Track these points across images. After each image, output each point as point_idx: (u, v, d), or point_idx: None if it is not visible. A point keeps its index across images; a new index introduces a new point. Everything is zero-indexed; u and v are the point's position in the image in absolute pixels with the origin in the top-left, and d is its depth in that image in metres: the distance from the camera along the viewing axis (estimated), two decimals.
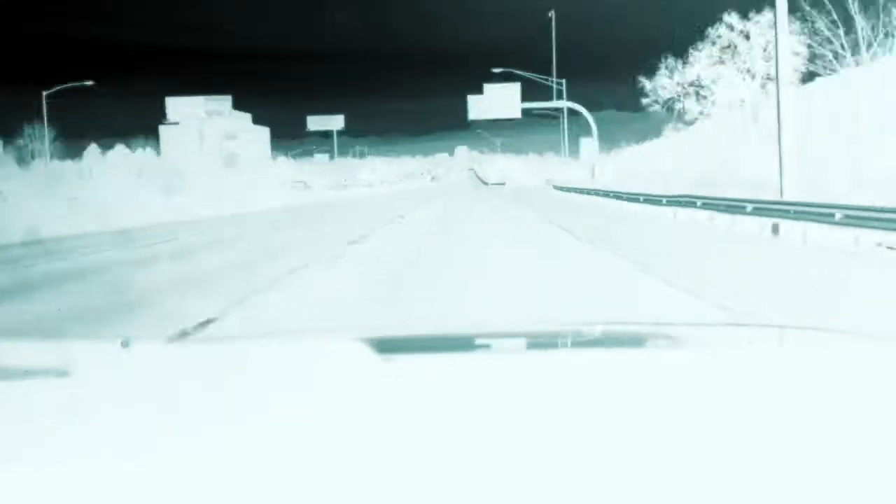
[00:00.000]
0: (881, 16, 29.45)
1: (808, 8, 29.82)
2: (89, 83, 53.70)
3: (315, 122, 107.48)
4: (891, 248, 12.85)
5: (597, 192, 40.36)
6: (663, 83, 45.25)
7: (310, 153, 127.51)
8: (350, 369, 1.45)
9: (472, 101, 57.73)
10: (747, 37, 39.52)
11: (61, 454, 0.96)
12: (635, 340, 1.97)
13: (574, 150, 60.15)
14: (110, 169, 78.02)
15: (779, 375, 1.35)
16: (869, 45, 29.30)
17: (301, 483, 0.86)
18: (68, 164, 76.76)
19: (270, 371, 1.51)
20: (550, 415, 1.09)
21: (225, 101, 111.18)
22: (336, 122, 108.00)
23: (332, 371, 1.46)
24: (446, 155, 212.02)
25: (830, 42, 30.42)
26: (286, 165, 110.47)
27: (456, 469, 0.88)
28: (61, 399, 1.26)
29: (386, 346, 1.75)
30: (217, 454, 0.96)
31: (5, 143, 75.17)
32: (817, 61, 30.93)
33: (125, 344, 1.71)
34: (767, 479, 0.83)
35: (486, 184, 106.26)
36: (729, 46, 40.15)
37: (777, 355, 1.68)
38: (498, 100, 56.46)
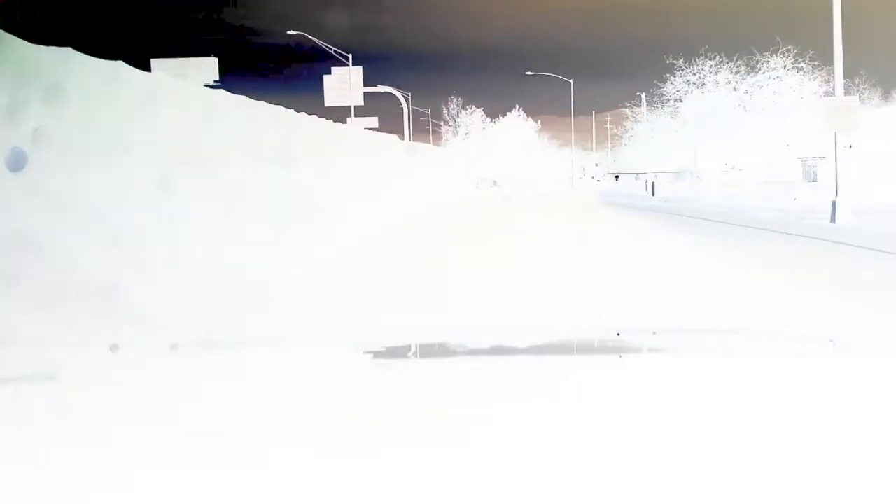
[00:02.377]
0: None
1: None
2: None
3: None
4: None
5: None
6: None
7: None
8: (343, 376, 1.48)
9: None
10: None
11: (52, 459, 0.96)
12: (629, 348, 1.94)
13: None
14: None
15: (769, 384, 1.34)
16: None
17: (293, 488, 0.86)
18: None
19: (263, 377, 1.50)
20: (543, 420, 1.08)
21: None
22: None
23: (325, 377, 1.46)
24: None
25: None
26: None
27: (450, 475, 0.88)
28: (53, 404, 1.26)
29: (380, 353, 1.84)
30: (208, 459, 0.96)
31: None
32: None
33: (113, 348, 1.72)
34: (762, 489, 0.84)
35: None
36: None
37: (766, 364, 1.66)
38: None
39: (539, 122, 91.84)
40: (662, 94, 49.31)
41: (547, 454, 0.93)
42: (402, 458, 0.94)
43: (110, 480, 0.88)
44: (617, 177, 68.98)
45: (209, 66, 35.15)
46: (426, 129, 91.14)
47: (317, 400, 1.27)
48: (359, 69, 52.54)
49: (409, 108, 56.46)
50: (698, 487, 0.83)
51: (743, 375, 1.43)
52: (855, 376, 1.39)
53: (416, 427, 1.08)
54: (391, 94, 54.38)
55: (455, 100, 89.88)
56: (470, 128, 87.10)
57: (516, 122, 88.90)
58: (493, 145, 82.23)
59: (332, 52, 45.90)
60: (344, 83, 51.39)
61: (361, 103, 52.03)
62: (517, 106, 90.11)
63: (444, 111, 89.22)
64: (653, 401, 1.21)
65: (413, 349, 1.96)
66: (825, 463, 0.90)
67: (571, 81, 66.55)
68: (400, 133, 49.01)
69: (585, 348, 1.98)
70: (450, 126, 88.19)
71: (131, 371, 1.61)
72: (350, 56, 46.61)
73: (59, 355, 1.94)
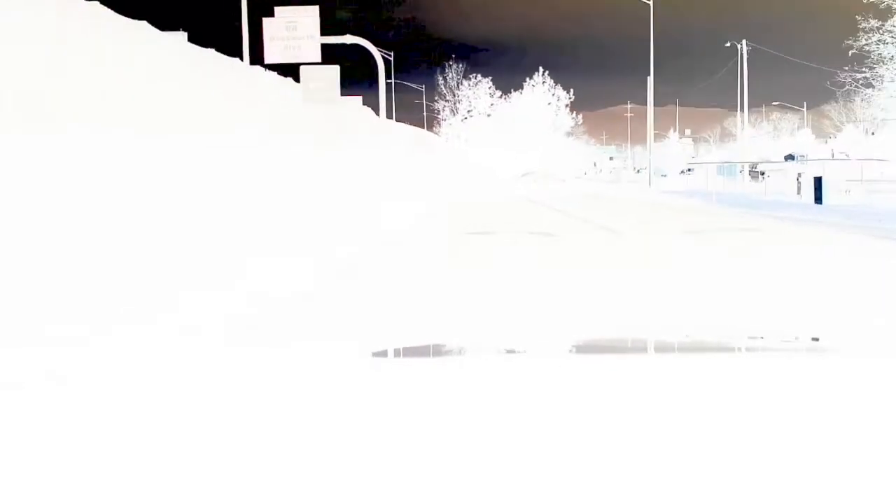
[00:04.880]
0: None
1: None
2: None
3: None
4: None
5: None
6: None
7: None
8: (344, 377, 1.46)
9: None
10: None
11: (58, 461, 0.98)
12: (636, 347, 1.94)
13: None
14: None
15: (773, 386, 1.30)
16: None
17: (292, 490, 0.87)
18: None
19: (263, 377, 1.50)
20: (544, 422, 1.07)
21: None
22: None
23: (325, 379, 1.45)
24: None
25: None
26: None
27: (449, 476, 0.88)
28: (53, 404, 1.26)
29: (383, 354, 1.82)
30: (209, 459, 0.97)
31: None
32: None
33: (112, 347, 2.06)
34: (768, 489, 0.83)
35: None
36: None
37: (772, 365, 1.62)
38: None
39: (571, 91, 70.12)
40: None
41: (549, 458, 0.92)
42: (403, 460, 0.94)
43: (111, 481, 0.90)
44: (690, 169, 51.95)
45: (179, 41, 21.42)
46: (420, 115, 72.37)
47: (318, 400, 1.27)
48: (315, 9, 35.16)
49: (386, 69, 38.05)
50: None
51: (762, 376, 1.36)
52: None
53: (417, 429, 1.07)
54: (369, 60, 36.24)
55: (454, 66, 69.64)
56: (474, 103, 67.25)
57: (538, 93, 66.97)
58: (507, 125, 62.61)
59: None
60: (293, 30, 33.91)
61: (318, 59, 34.99)
62: (541, 70, 67.62)
63: (440, 82, 69.17)
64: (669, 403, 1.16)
65: (419, 349, 1.89)
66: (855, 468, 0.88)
67: (651, 3, 47.83)
68: (375, 108, 30.50)
69: (592, 348, 1.91)
70: (447, 101, 68.46)
71: (131, 371, 1.60)
72: None
73: (60, 355, 2.11)
